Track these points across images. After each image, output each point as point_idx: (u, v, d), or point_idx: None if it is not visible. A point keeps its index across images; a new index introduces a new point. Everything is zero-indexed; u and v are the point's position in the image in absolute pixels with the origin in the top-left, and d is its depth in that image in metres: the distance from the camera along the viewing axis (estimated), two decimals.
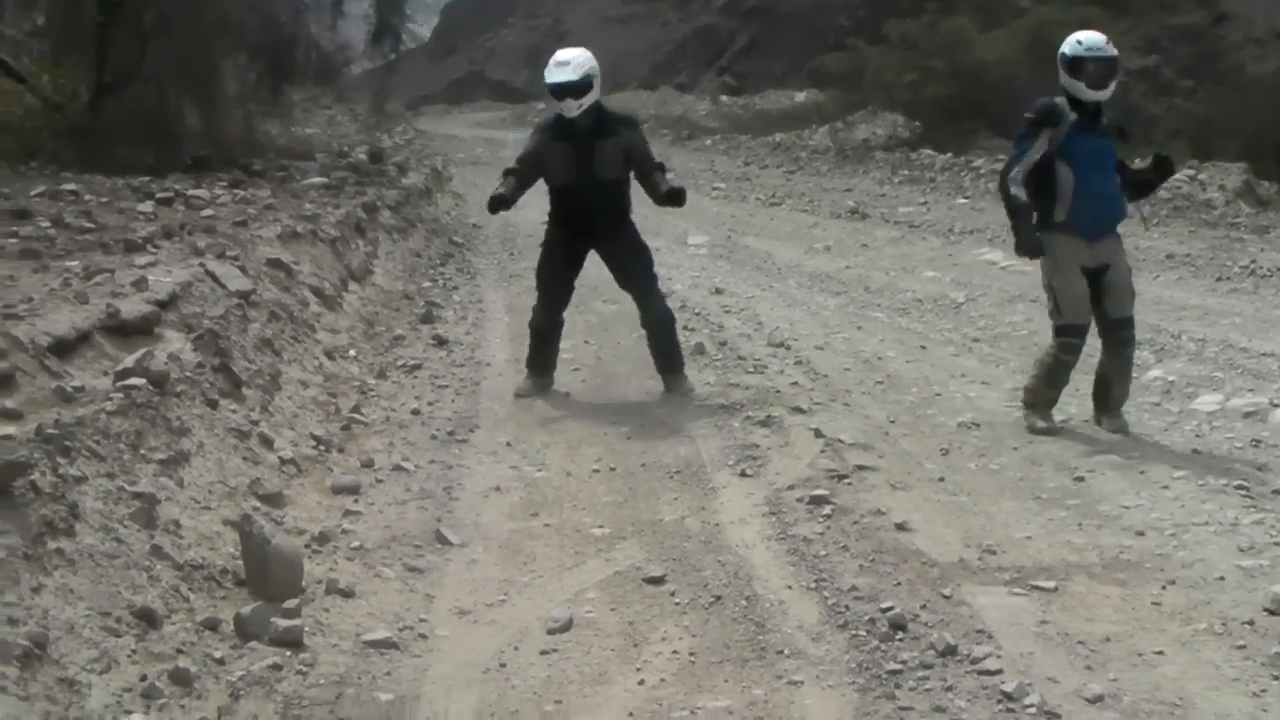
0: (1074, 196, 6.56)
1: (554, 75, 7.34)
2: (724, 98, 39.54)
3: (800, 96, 35.01)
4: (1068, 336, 6.73)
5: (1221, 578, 4.63)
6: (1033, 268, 7.26)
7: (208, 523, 4.64)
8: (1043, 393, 6.81)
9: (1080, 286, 6.65)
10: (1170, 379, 7.78)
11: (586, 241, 7.66)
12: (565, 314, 7.89)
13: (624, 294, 8.03)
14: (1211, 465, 6.02)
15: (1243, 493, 5.56)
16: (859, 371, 8.23)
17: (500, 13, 57.78)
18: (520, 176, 7.58)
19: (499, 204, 7.49)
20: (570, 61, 7.35)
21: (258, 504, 5.05)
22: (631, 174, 7.58)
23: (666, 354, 7.70)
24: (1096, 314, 6.74)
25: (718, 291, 11.35)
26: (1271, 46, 27.17)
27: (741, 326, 9.76)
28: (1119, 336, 6.70)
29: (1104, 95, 6.55)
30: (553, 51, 7.66)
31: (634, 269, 7.71)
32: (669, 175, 7.77)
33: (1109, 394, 6.76)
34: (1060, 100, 6.61)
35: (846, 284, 12.01)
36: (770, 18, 41.76)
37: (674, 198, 7.48)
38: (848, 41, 28.55)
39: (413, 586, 4.65)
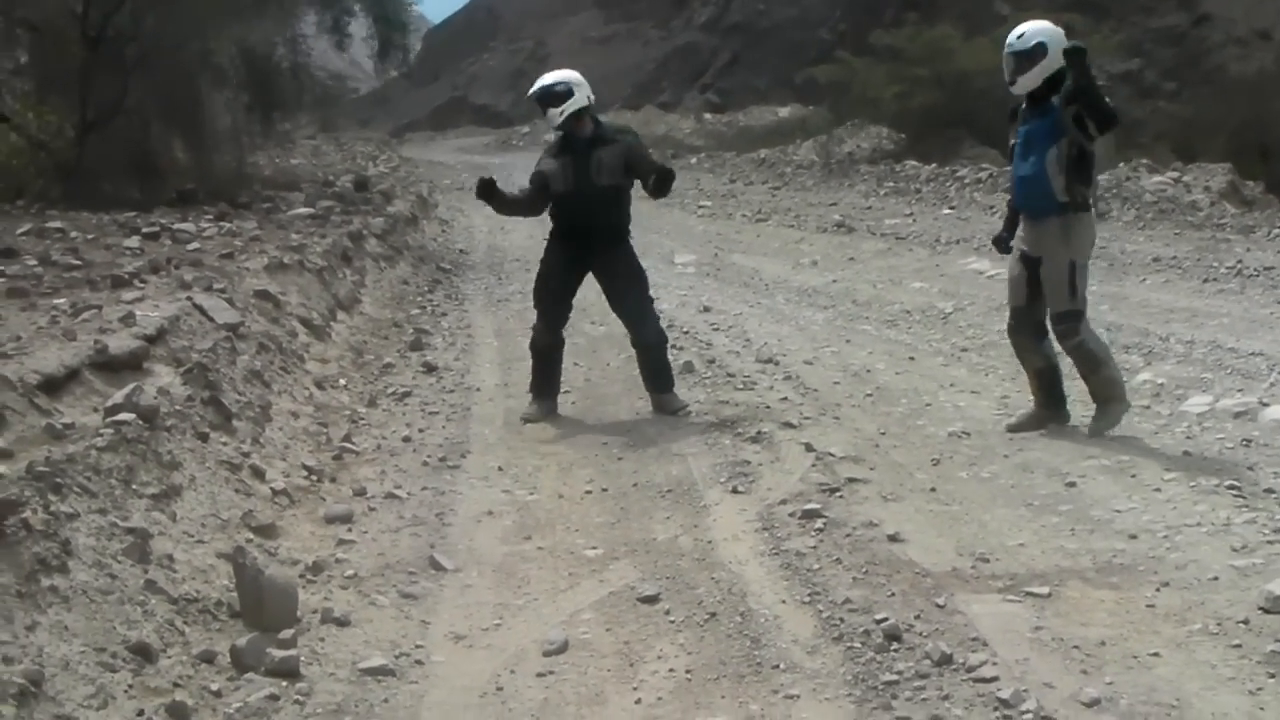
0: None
1: (532, 88, 7.69)
2: (708, 115, 39.67)
3: (784, 111, 35.15)
4: (1009, 317, 7.08)
5: (1215, 578, 4.64)
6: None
7: (201, 556, 4.64)
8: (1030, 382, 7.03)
9: (1012, 270, 6.95)
10: (1160, 381, 7.80)
11: (584, 257, 7.67)
12: (564, 333, 7.89)
13: (612, 315, 8.04)
14: (1203, 466, 6.04)
15: (1234, 492, 5.57)
16: (848, 385, 8.24)
17: (482, 37, 57.96)
18: (530, 192, 7.76)
19: (487, 188, 7.61)
20: (549, 75, 7.72)
21: (251, 536, 5.05)
22: (633, 184, 7.64)
23: (656, 374, 7.70)
24: None
25: (705, 309, 11.37)
26: (1253, 46, 27.33)
27: (730, 343, 9.77)
28: (1056, 330, 6.79)
29: (1017, 89, 6.66)
30: (536, 74, 7.85)
31: (626, 292, 7.71)
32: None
33: (1089, 390, 6.81)
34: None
35: (834, 298, 12.03)
36: (751, 34, 41.96)
37: (663, 179, 7.40)
38: (835, 53, 28.63)
39: (408, 613, 4.65)
